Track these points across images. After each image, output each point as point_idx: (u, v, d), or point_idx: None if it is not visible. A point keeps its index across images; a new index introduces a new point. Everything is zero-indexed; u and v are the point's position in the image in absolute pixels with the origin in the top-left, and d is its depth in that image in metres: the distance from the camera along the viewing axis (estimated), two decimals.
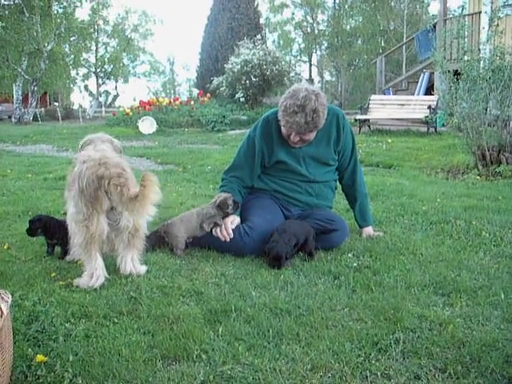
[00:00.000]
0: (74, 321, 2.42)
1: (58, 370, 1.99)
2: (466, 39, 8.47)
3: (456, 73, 7.22)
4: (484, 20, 9.96)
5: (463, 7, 8.08)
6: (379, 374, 1.97)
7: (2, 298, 1.82)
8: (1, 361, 1.72)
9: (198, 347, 2.16)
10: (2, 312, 1.73)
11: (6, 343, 1.77)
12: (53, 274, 3.00)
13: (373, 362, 2.04)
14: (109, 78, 43.09)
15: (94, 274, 2.83)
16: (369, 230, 3.84)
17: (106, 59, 41.32)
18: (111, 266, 3.13)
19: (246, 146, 3.70)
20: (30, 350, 2.13)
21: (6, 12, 21.43)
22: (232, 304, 2.56)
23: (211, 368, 2.01)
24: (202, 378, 1.94)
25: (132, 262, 2.99)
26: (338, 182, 3.92)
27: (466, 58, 7.35)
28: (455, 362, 2.03)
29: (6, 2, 21.74)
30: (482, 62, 6.98)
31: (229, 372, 1.98)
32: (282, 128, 3.48)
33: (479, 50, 7.44)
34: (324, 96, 3.38)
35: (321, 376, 1.96)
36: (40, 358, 2.04)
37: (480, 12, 12.12)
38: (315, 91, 3.33)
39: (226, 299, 2.65)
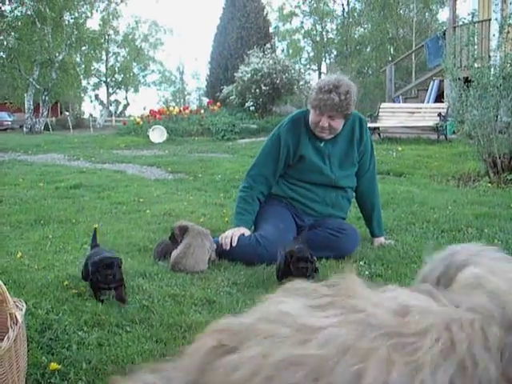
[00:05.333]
0: (86, 329, 2.43)
1: (71, 377, 2.00)
2: (476, 46, 8.45)
3: (466, 80, 7.21)
4: (494, 27, 9.94)
5: (473, 14, 8.06)
6: None
7: (17, 307, 1.84)
8: (16, 368, 1.73)
9: None
10: (16, 320, 1.74)
11: (21, 351, 1.79)
12: (65, 283, 3.02)
13: None
14: (119, 88, 43.45)
15: None
16: (380, 239, 3.83)
17: (116, 69, 41.70)
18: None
19: (270, 143, 3.70)
20: (43, 357, 2.14)
21: (19, 23, 21.70)
22: (244, 312, 2.56)
23: None
24: None
25: None
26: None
27: (476, 65, 7.34)
28: None
29: (19, 14, 22.00)
30: (492, 69, 6.96)
31: None
32: (312, 115, 3.50)
33: (489, 57, 7.42)
34: (355, 86, 3.50)
35: None
36: (54, 365, 2.05)
37: (490, 19, 12.10)
38: (347, 79, 3.51)
39: (239, 308, 2.65)
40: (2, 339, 1.68)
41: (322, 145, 3.59)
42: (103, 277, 2.72)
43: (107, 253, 2.98)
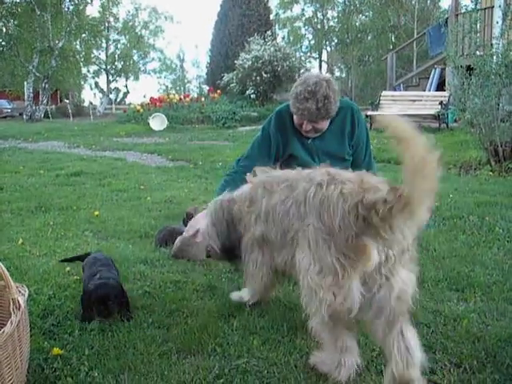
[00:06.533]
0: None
1: (74, 362, 2.02)
2: (478, 34, 8.39)
3: (468, 68, 7.17)
4: (497, 14, 9.87)
5: (476, 1, 8.00)
6: None
7: (19, 292, 1.84)
8: (19, 353, 1.74)
9: (213, 341, 2.17)
10: (19, 305, 1.75)
11: (24, 336, 1.79)
12: (67, 269, 3.03)
13: None
14: (119, 75, 43.21)
15: (342, 362, 1.95)
16: None
17: (116, 56, 41.44)
18: (120, 261, 3.15)
19: (261, 138, 3.67)
20: (46, 343, 2.15)
21: (19, 9, 21.56)
22: None
23: (226, 361, 2.02)
24: (217, 372, 1.95)
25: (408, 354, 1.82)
26: None
27: (478, 53, 7.29)
28: (470, 357, 2.02)
29: (18, 0, 21.85)
30: (495, 57, 6.91)
31: (244, 365, 1.99)
32: (294, 117, 3.45)
33: (492, 44, 7.36)
34: (335, 83, 3.35)
35: None
36: (56, 350, 2.07)
37: (493, 6, 12.01)
38: (326, 78, 3.30)
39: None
40: (5, 324, 1.68)
41: (309, 142, 3.56)
42: (99, 312, 2.36)
43: (104, 271, 2.54)
